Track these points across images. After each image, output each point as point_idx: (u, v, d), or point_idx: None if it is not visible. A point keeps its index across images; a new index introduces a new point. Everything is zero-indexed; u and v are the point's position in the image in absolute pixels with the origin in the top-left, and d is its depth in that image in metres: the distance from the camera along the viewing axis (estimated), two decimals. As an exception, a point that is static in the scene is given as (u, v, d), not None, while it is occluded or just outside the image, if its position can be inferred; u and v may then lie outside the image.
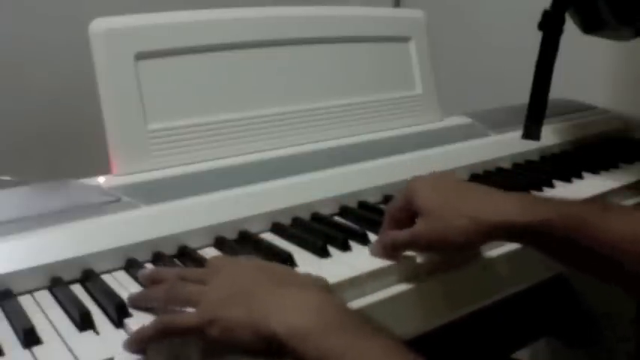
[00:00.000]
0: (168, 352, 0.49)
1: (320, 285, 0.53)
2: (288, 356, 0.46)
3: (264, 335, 0.46)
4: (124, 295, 0.56)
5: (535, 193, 0.84)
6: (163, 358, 0.49)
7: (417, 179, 0.68)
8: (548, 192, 0.85)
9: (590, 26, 0.88)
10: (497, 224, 0.60)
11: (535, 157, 1.01)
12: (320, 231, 0.71)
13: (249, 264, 0.56)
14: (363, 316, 0.49)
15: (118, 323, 0.52)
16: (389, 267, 0.63)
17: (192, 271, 0.57)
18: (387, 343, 0.45)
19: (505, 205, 0.61)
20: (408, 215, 0.65)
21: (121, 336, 0.50)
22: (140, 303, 0.55)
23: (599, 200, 0.62)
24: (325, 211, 0.77)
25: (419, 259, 0.65)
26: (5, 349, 0.49)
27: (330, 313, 0.47)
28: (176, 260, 0.65)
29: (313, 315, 0.47)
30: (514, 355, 0.99)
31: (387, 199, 0.82)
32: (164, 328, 0.49)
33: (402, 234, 0.63)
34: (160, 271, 0.59)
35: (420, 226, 0.63)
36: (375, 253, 0.65)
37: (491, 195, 0.64)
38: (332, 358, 0.44)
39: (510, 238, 0.64)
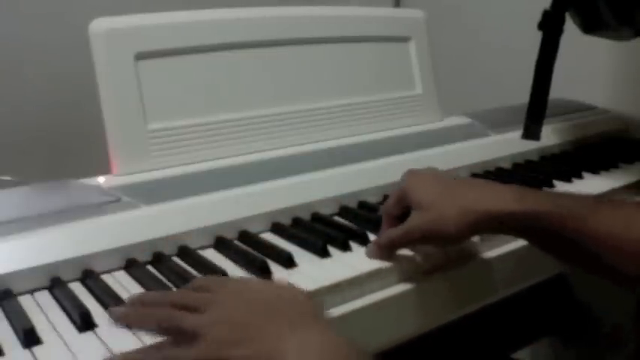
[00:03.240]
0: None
1: (319, 314, 0.51)
2: None
3: None
4: (124, 295, 0.56)
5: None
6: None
7: (411, 175, 0.68)
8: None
9: (590, 26, 0.88)
10: (486, 213, 0.61)
11: (535, 157, 1.01)
12: (320, 231, 0.71)
13: (244, 292, 0.52)
14: (365, 355, 0.47)
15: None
16: (389, 267, 0.63)
17: (184, 296, 0.52)
18: None
19: (496, 195, 0.62)
20: (403, 211, 0.66)
21: (121, 334, 0.50)
22: (128, 321, 0.51)
23: (590, 196, 0.63)
24: (325, 211, 0.77)
25: (418, 259, 0.65)
26: (5, 349, 0.49)
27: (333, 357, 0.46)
28: (176, 259, 0.65)
29: None
30: (514, 355, 0.98)
31: (387, 199, 0.82)
32: None
33: (397, 229, 0.64)
34: (149, 295, 0.56)
35: (413, 219, 0.63)
36: (371, 255, 0.65)
37: (482, 186, 0.65)
38: None
39: (500, 228, 0.64)
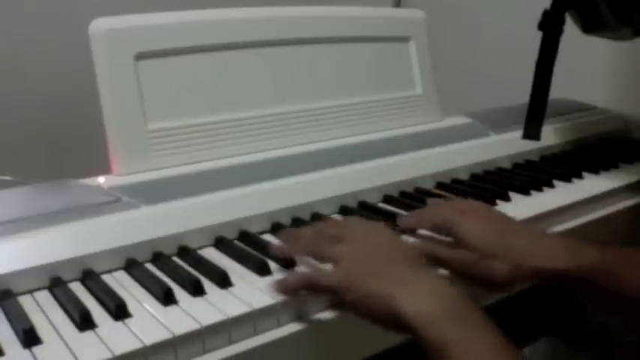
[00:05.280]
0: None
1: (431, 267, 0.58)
2: (409, 333, 0.50)
3: (394, 312, 0.50)
4: (124, 295, 0.56)
5: (536, 193, 0.84)
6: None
7: (461, 211, 0.67)
8: (548, 192, 0.85)
9: (590, 26, 0.88)
10: (540, 270, 0.61)
11: (535, 157, 1.01)
12: (320, 231, 0.71)
13: (381, 234, 0.61)
14: (476, 306, 0.51)
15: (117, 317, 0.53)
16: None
17: (329, 227, 0.63)
18: (497, 339, 0.49)
19: (548, 251, 0.62)
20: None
21: (121, 335, 0.50)
22: (284, 253, 0.62)
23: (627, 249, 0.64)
24: (325, 211, 0.77)
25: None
26: (5, 349, 0.49)
27: (452, 303, 0.51)
28: (176, 259, 0.65)
29: (439, 303, 0.51)
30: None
31: (387, 199, 0.83)
32: (307, 282, 0.56)
33: (446, 250, 0.63)
34: (298, 230, 0.67)
35: (463, 253, 0.63)
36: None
37: (534, 239, 0.64)
38: (451, 346, 0.48)
39: (547, 282, 0.63)
